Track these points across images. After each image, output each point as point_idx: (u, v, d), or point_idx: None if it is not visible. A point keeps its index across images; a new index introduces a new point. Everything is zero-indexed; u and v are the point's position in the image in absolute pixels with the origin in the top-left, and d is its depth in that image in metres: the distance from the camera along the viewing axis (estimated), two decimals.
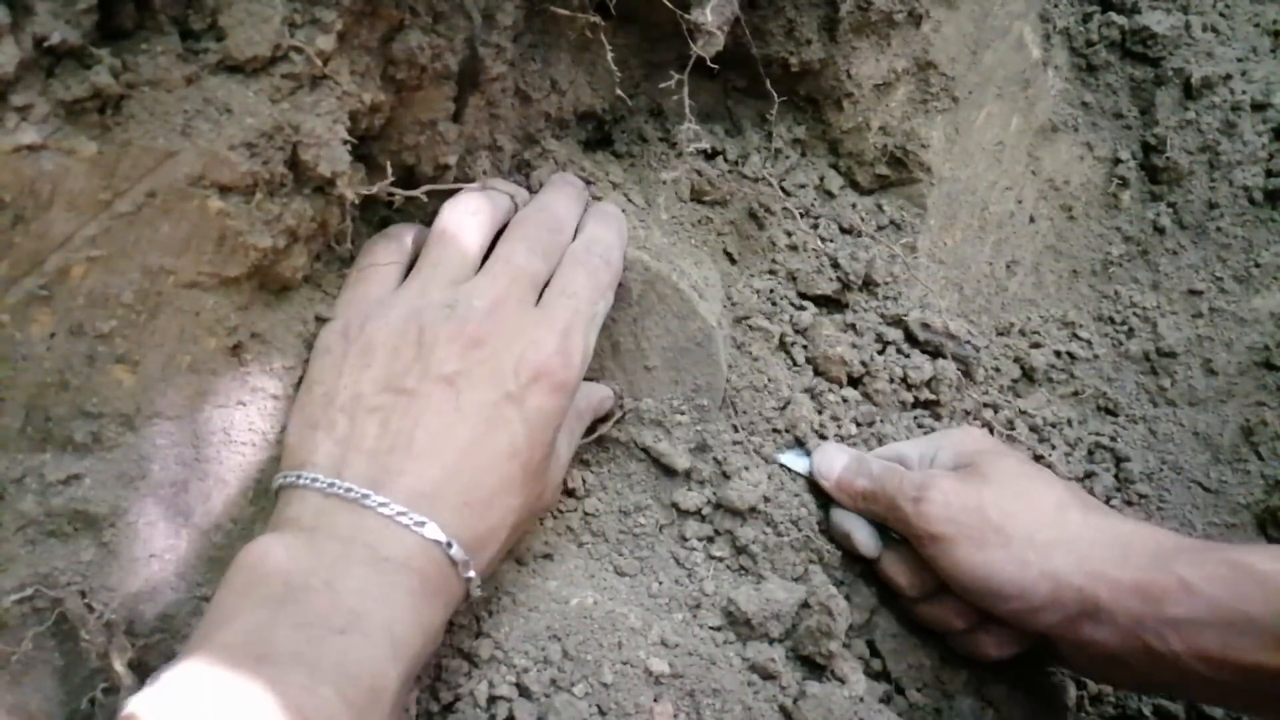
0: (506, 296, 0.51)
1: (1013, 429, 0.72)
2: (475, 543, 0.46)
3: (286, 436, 0.49)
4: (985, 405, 0.72)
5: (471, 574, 0.46)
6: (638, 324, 0.60)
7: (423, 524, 0.44)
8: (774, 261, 0.70)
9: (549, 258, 0.54)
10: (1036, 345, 0.78)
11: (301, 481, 0.45)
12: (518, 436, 0.48)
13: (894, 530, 0.60)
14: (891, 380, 0.70)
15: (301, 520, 0.44)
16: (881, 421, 0.68)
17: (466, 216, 0.54)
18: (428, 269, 0.52)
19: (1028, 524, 0.55)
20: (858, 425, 0.68)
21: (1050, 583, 0.53)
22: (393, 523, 0.44)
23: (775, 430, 0.65)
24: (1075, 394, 0.77)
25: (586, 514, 0.61)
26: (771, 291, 0.69)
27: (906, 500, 0.57)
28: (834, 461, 0.62)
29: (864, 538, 0.61)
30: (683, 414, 0.61)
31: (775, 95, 0.64)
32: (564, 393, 0.50)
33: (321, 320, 0.52)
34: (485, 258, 0.53)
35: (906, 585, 0.60)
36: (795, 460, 0.64)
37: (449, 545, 0.45)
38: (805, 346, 0.69)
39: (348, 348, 0.49)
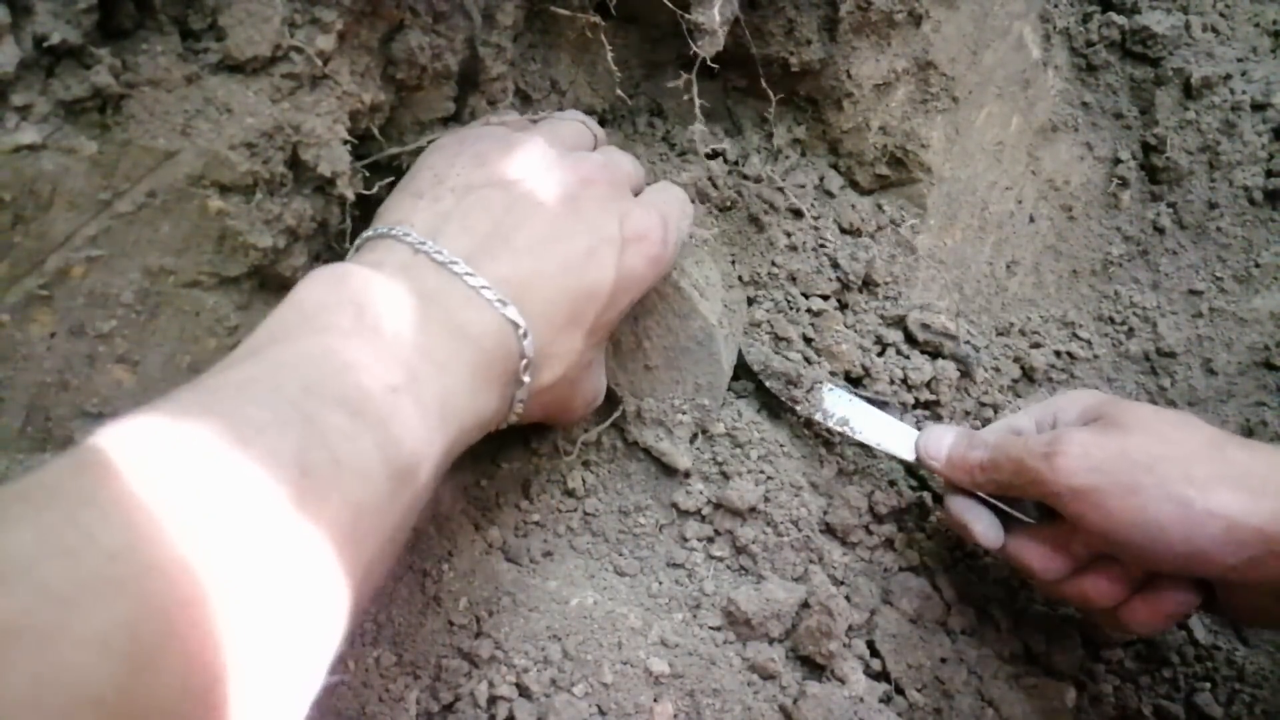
0: (616, 170, 0.52)
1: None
2: (538, 356, 0.46)
3: (384, 205, 0.49)
4: (985, 405, 0.72)
5: (528, 378, 0.45)
6: (638, 323, 0.60)
7: (505, 304, 0.43)
8: (774, 263, 0.70)
9: (636, 183, 0.55)
10: (1036, 345, 0.78)
11: (394, 233, 0.45)
12: (606, 280, 0.47)
13: (1025, 500, 0.56)
14: (891, 381, 0.70)
15: (385, 265, 0.43)
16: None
17: (580, 118, 0.57)
18: (548, 126, 0.54)
19: (1182, 462, 0.49)
20: None
21: (1221, 522, 0.48)
22: (477, 295, 0.43)
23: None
24: None
25: (586, 514, 0.61)
26: (772, 281, 0.70)
27: (1037, 459, 0.52)
28: (941, 439, 0.58)
29: (984, 527, 0.56)
30: (684, 413, 0.61)
31: (772, 95, 0.64)
32: (657, 267, 0.50)
33: None
34: None
35: (1041, 568, 0.55)
36: (841, 399, 0.63)
37: (525, 334, 0.44)
38: (811, 340, 0.69)
39: (461, 148, 0.49)
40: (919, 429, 0.62)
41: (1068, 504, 0.51)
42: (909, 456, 0.61)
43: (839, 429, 0.63)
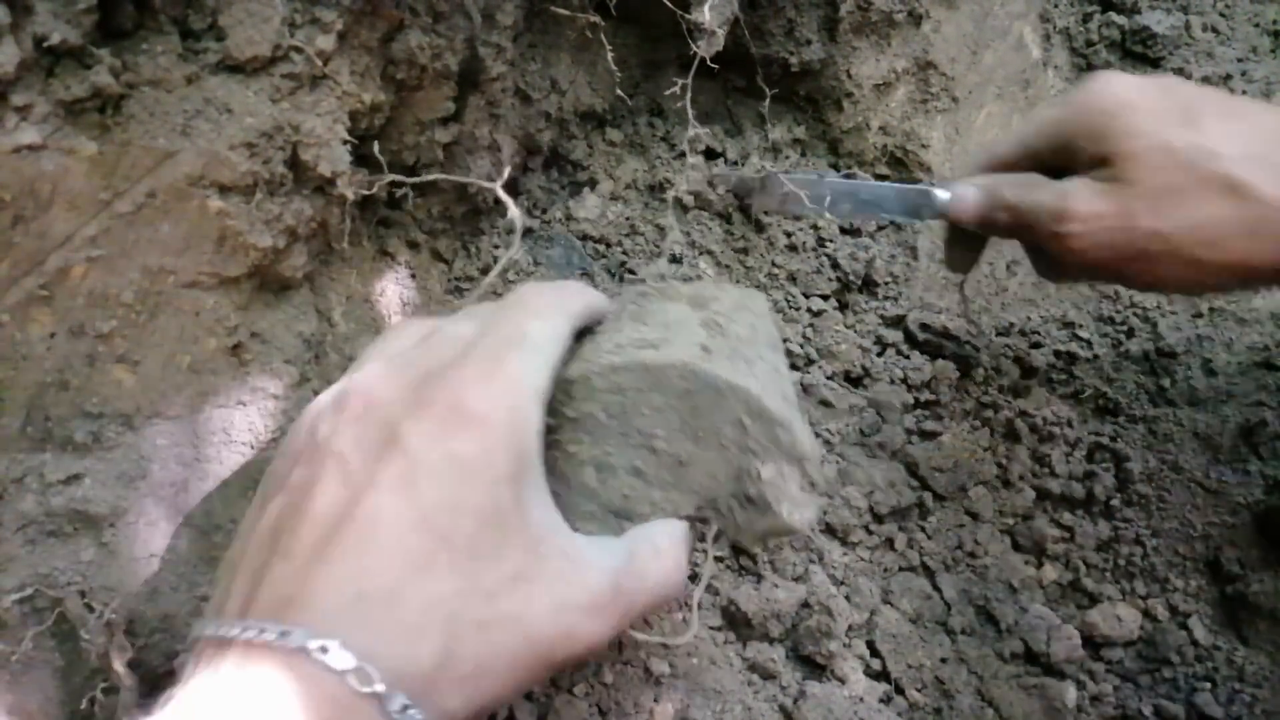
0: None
1: (1013, 429, 0.72)
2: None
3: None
4: (985, 405, 0.72)
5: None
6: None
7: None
8: (774, 264, 0.70)
9: None
10: (1036, 345, 0.78)
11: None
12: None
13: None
14: (891, 381, 0.70)
15: None
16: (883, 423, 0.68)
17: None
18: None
19: (1195, 230, 0.50)
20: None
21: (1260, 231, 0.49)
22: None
23: None
24: (1075, 394, 0.77)
25: None
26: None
27: (1049, 236, 0.54)
28: (967, 199, 0.59)
29: (961, 261, 0.63)
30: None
31: (767, 89, 0.64)
32: None
33: (323, 316, 0.52)
34: None
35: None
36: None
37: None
38: (811, 340, 0.69)
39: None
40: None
41: (1068, 259, 0.54)
42: (916, 218, 0.61)
43: (824, 211, 0.61)
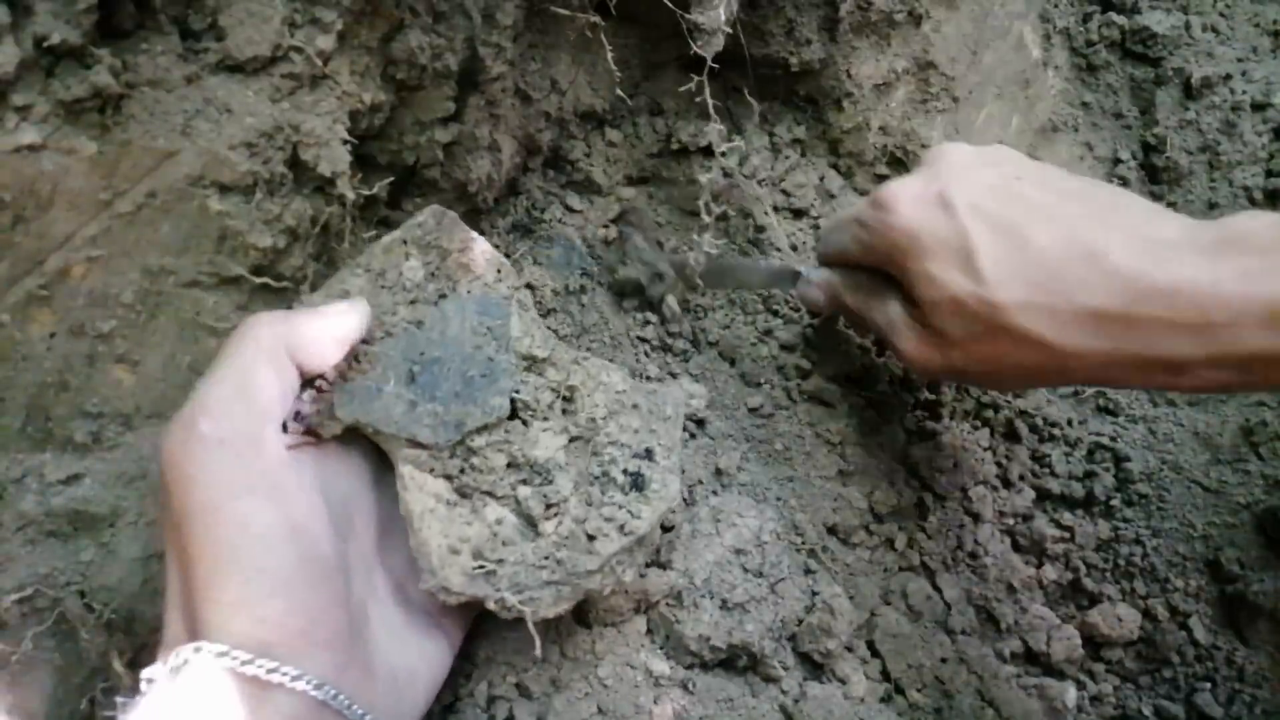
0: None
1: (1013, 429, 0.72)
2: None
3: None
4: (985, 405, 0.72)
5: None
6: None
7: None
8: None
9: None
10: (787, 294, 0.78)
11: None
12: None
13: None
14: (891, 381, 0.70)
15: None
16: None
17: None
18: None
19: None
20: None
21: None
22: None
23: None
24: (1075, 394, 0.77)
25: None
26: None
27: (885, 344, 0.57)
28: (809, 292, 0.62)
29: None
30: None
31: (756, 103, 0.65)
32: None
33: None
34: None
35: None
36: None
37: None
38: (810, 340, 0.69)
39: None
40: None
41: (898, 259, 0.53)
42: (785, 292, 0.66)
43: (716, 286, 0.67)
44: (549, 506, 0.44)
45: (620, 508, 0.45)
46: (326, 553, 0.39)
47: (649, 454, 0.48)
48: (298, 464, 0.40)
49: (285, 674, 0.35)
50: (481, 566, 0.42)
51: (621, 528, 0.45)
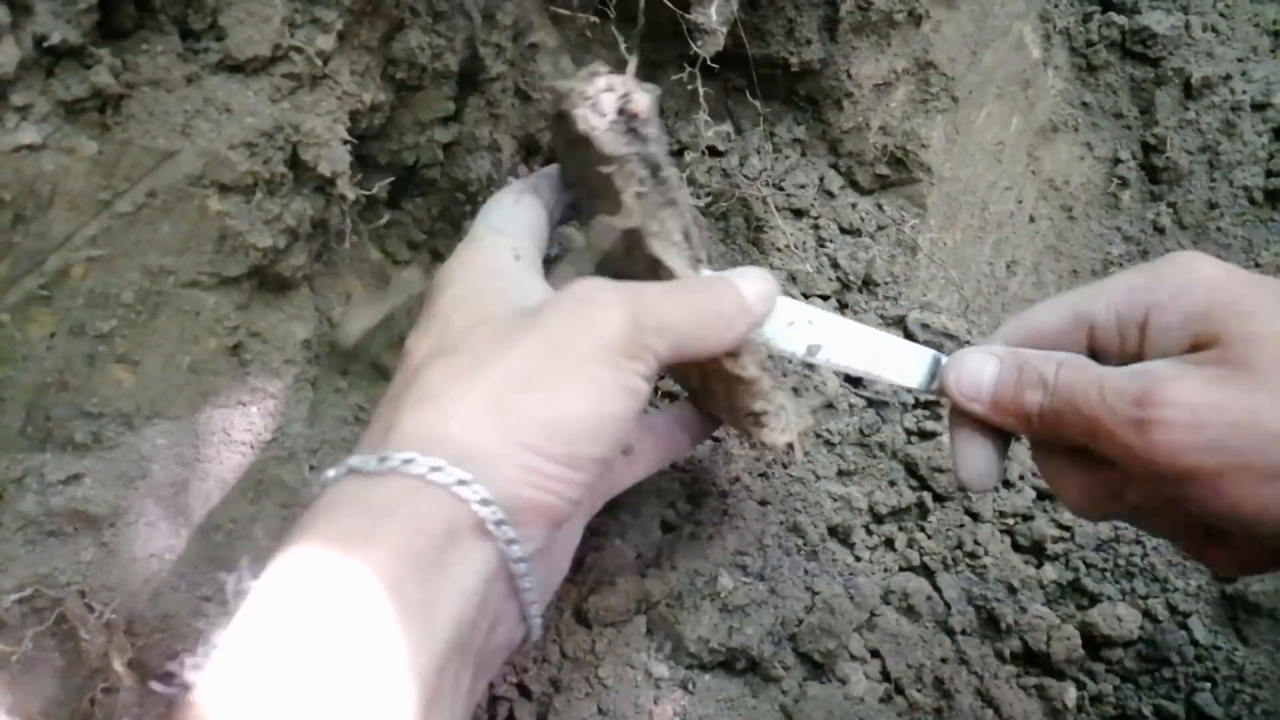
0: None
1: None
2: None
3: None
4: None
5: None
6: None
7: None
8: (773, 265, 0.70)
9: None
10: (914, 390, 0.78)
11: None
12: None
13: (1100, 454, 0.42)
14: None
15: None
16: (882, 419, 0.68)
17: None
18: None
19: None
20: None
21: None
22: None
23: None
24: None
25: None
26: None
27: (1124, 425, 0.38)
28: (981, 371, 0.44)
29: (981, 469, 0.46)
30: None
31: (755, 89, 0.64)
32: None
33: (323, 316, 0.52)
34: None
35: (1086, 508, 0.44)
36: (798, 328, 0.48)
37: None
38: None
39: None
40: (933, 347, 0.49)
41: (1169, 486, 0.39)
42: (915, 383, 0.47)
43: (809, 359, 0.49)
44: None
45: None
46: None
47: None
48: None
49: (505, 532, 0.36)
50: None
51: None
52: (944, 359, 0.47)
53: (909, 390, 0.52)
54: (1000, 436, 0.46)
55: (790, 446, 0.47)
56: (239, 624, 0.32)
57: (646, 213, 0.44)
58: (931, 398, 0.46)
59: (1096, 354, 0.44)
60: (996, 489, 0.69)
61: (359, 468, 0.36)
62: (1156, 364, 0.40)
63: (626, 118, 0.43)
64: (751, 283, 0.45)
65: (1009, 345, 0.46)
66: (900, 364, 0.48)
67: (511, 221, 0.46)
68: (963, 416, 0.46)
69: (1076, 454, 0.43)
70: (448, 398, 0.37)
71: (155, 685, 0.44)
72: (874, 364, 0.48)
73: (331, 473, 0.36)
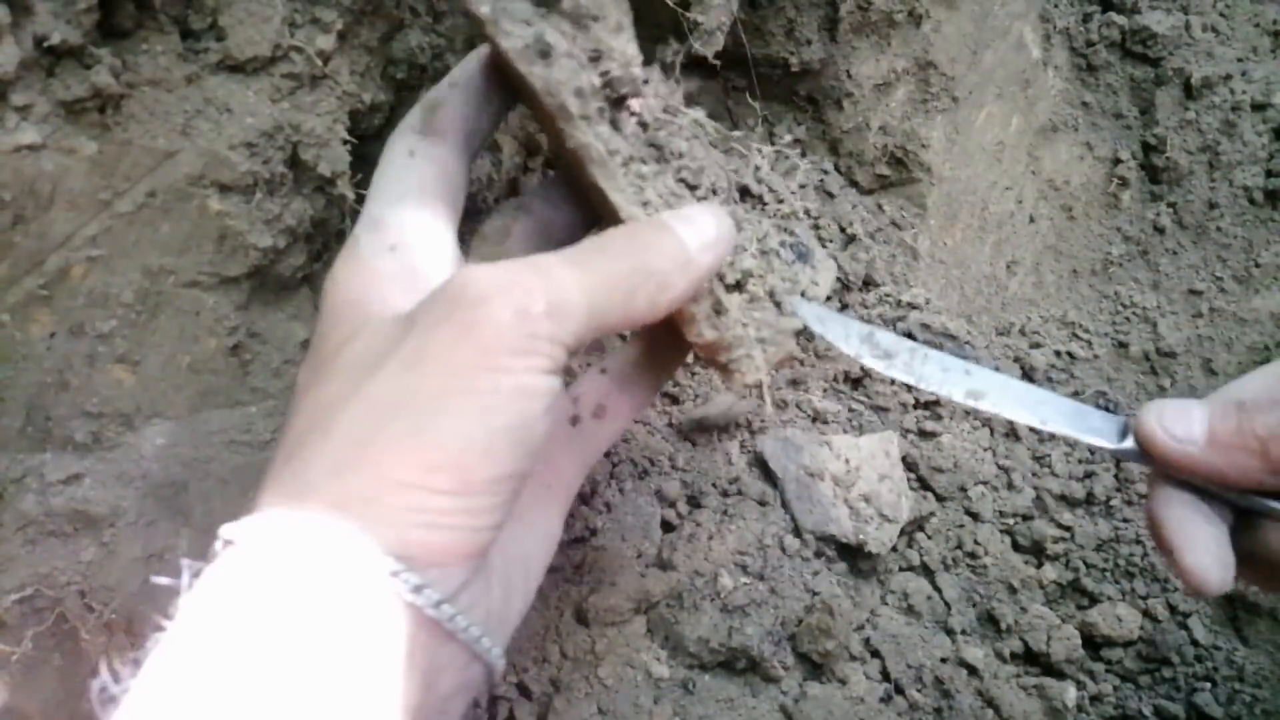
0: None
1: (1013, 429, 0.72)
2: None
3: None
4: None
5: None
6: None
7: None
8: None
9: None
10: (1036, 345, 0.78)
11: None
12: None
13: None
14: (892, 382, 0.70)
15: None
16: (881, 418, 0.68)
17: None
18: None
19: None
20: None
21: None
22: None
23: None
24: (1075, 394, 0.77)
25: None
26: None
27: None
28: (1189, 411, 0.38)
29: (1213, 559, 0.37)
30: None
31: (756, 88, 0.64)
32: None
33: None
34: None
35: (1215, 567, 0.37)
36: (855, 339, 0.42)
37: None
38: (810, 340, 0.69)
39: None
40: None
41: None
42: (1107, 443, 0.41)
43: (972, 404, 0.43)
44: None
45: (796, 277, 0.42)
46: None
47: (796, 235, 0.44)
48: None
49: (416, 589, 0.30)
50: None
51: (803, 294, 0.42)
52: (1128, 418, 0.40)
53: (1098, 449, 0.45)
54: (1222, 507, 0.39)
55: (759, 386, 0.41)
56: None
57: (579, 123, 0.36)
58: (1127, 458, 0.40)
59: None
60: (996, 490, 0.69)
61: (231, 538, 0.31)
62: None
63: None
64: (695, 225, 0.37)
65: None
66: (1080, 423, 0.41)
67: (395, 200, 0.38)
68: (1170, 487, 0.39)
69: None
70: (313, 442, 0.32)
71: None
72: (1047, 418, 0.42)
73: (220, 540, 0.31)
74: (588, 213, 0.43)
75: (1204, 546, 0.37)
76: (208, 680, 0.28)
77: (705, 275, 0.37)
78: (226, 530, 0.31)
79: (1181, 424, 0.38)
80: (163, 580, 0.32)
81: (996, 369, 0.41)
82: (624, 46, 0.39)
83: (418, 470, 0.31)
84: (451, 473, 0.31)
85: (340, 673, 0.29)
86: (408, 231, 0.37)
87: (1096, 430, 0.41)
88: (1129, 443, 0.40)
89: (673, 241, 0.36)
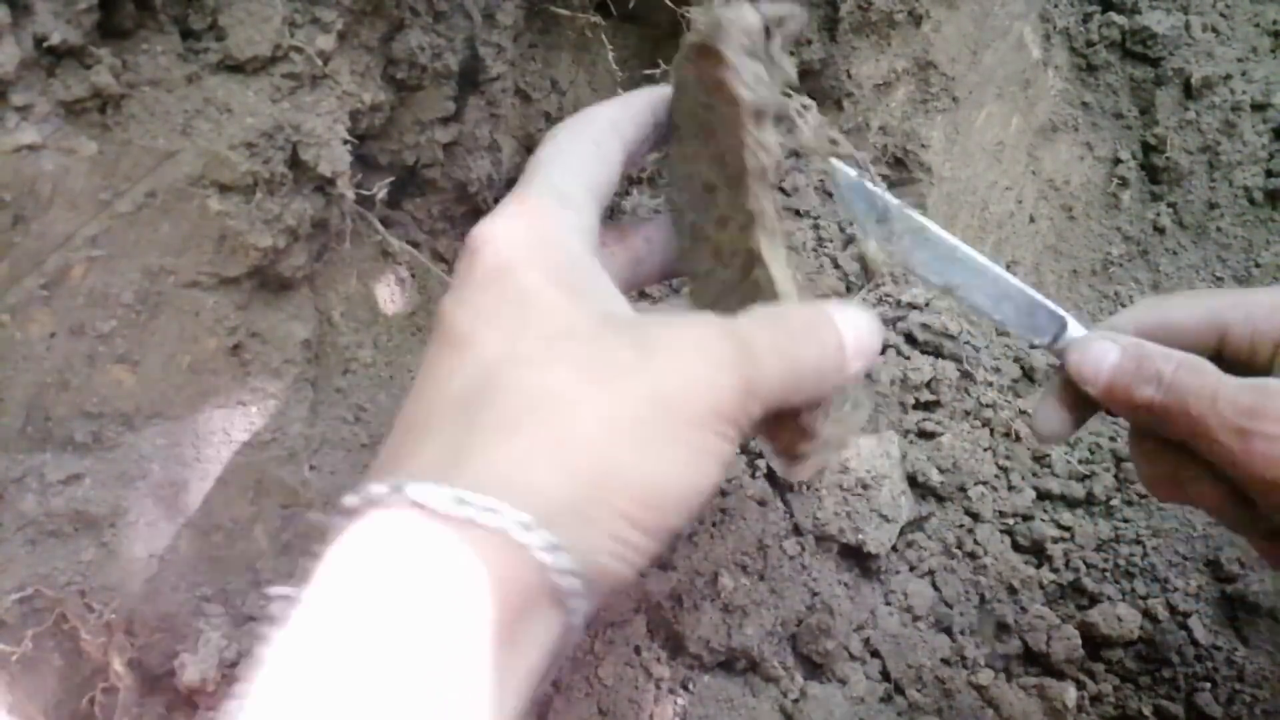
0: None
1: (1013, 429, 0.72)
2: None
3: None
4: (985, 405, 0.72)
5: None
6: None
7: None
8: None
9: None
10: (1036, 346, 0.78)
11: None
12: None
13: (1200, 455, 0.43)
14: (892, 382, 0.70)
15: None
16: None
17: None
18: None
19: None
20: None
21: None
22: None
23: None
24: None
25: None
26: None
27: (1228, 431, 0.39)
28: (1104, 358, 0.45)
29: (1052, 427, 0.48)
30: None
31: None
32: None
33: (323, 316, 0.52)
34: None
35: (1159, 486, 0.46)
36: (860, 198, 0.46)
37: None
38: None
39: None
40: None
41: (1263, 494, 0.40)
42: (1040, 340, 0.48)
43: (947, 290, 0.48)
44: None
45: None
46: None
47: None
48: None
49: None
50: None
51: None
52: (1070, 322, 0.47)
53: (1033, 346, 0.54)
54: (1089, 408, 0.47)
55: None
56: (264, 680, 0.26)
57: (768, 189, 0.37)
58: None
59: (1222, 359, 0.43)
60: (996, 490, 0.69)
61: (424, 502, 0.29)
62: (1275, 381, 0.40)
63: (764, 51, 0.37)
64: (854, 328, 0.37)
65: (1137, 327, 0.46)
66: (1027, 321, 0.48)
67: (578, 184, 0.38)
68: (1065, 384, 0.47)
69: (1171, 444, 0.44)
70: (534, 435, 0.31)
71: None
72: (1003, 312, 0.48)
73: (383, 489, 0.30)
74: (682, 265, 0.43)
75: (1055, 423, 0.48)
76: (350, 640, 0.27)
77: (851, 381, 0.37)
78: (409, 490, 0.29)
79: (1092, 369, 0.45)
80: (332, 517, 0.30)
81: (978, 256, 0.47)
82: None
83: (637, 504, 0.31)
84: (660, 514, 0.32)
85: (505, 675, 0.29)
86: (588, 219, 0.38)
87: (1039, 328, 0.48)
88: (1059, 345, 0.47)
89: (837, 340, 0.36)
